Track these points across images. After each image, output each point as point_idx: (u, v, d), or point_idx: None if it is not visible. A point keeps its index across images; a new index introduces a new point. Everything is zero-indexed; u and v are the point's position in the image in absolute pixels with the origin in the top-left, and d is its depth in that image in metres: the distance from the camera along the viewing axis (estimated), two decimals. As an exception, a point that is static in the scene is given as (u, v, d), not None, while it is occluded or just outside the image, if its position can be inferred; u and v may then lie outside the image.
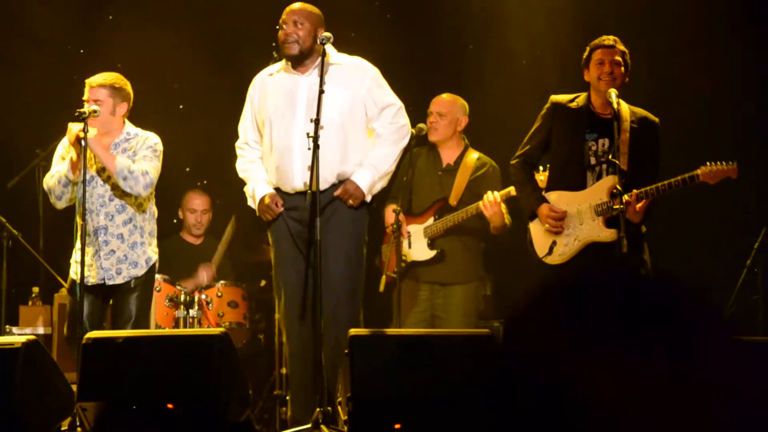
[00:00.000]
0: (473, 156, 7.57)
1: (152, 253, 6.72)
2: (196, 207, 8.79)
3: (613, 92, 6.05)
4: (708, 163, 5.94)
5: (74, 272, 6.55)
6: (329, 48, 6.19)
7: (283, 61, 6.32)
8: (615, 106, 5.99)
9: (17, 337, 5.90)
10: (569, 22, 8.65)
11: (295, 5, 6.27)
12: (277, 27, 6.23)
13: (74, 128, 6.33)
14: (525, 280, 8.03)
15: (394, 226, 7.00)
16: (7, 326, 7.55)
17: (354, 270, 6.17)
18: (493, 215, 7.21)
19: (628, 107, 6.24)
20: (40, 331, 7.45)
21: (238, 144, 6.43)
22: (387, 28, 9.10)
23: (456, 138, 7.60)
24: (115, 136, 6.64)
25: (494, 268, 7.70)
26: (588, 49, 6.28)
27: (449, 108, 7.56)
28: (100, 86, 6.61)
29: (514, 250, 7.42)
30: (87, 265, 6.35)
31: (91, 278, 6.49)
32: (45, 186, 6.60)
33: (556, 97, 6.37)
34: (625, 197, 5.89)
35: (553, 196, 6.35)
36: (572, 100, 6.30)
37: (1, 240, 7.66)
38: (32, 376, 5.37)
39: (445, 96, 7.63)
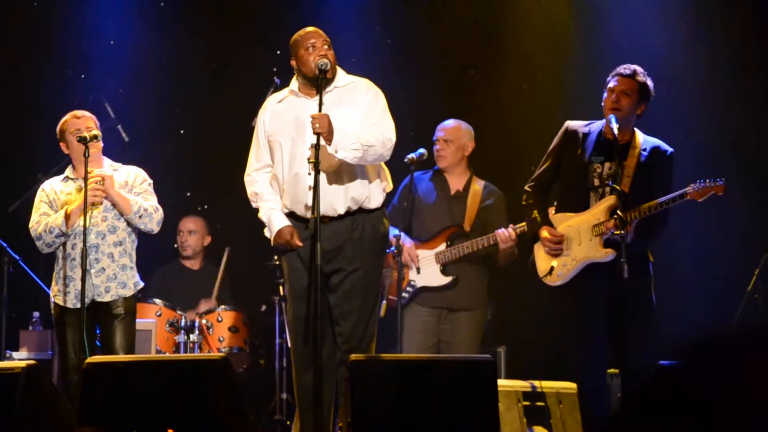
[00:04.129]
0: (480, 183, 7.57)
1: (138, 279, 6.77)
2: (182, 228, 8.86)
3: (612, 117, 6.10)
4: (697, 181, 6.00)
5: (63, 301, 6.57)
6: (339, 71, 6.20)
7: (289, 87, 6.28)
8: (615, 130, 6.04)
9: (18, 362, 5.90)
10: (570, 47, 8.68)
11: (316, 29, 6.15)
12: (309, 47, 6.10)
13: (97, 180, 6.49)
14: (525, 305, 8.05)
15: (396, 251, 6.99)
16: (8, 351, 7.54)
17: (372, 297, 6.17)
18: (506, 248, 7.23)
19: (644, 136, 6.28)
20: (41, 355, 7.44)
21: (246, 175, 6.32)
22: (388, 54, 9.12)
23: (463, 164, 7.59)
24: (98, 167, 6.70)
25: (495, 293, 7.70)
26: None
27: (455, 134, 7.55)
28: (86, 117, 6.69)
29: (515, 276, 7.43)
30: (76, 290, 6.40)
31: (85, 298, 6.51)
32: (32, 232, 6.62)
33: (570, 123, 6.40)
34: (619, 213, 5.93)
35: (556, 218, 6.38)
36: (586, 126, 6.33)
37: (1, 264, 7.66)
38: (33, 400, 5.35)
39: (450, 122, 7.61)
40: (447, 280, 7.41)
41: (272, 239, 6.18)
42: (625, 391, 6.36)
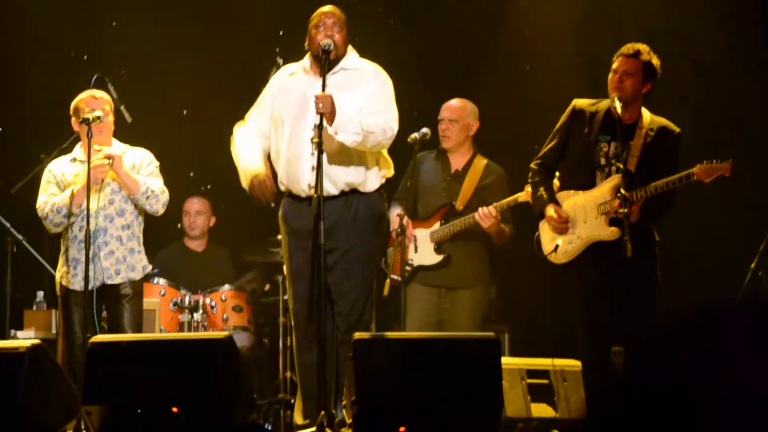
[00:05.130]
0: (482, 162, 7.55)
1: (146, 262, 6.79)
2: (189, 209, 8.86)
3: (615, 97, 6.09)
4: (704, 162, 6.00)
5: (69, 283, 6.58)
6: (351, 52, 6.19)
7: (302, 62, 6.26)
8: (619, 111, 6.04)
9: (22, 341, 5.91)
10: (573, 26, 8.65)
11: (332, 8, 6.14)
12: (318, 25, 6.05)
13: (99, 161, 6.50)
14: (529, 283, 8.05)
15: (399, 230, 6.98)
16: (12, 330, 7.56)
17: (369, 276, 6.18)
18: (489, 227, 7.22)
19: (650, 115, 6.27)
20: (45, 335, 7.45)
21: (238, 124, 6.34)
22: (390, 34, 9.11)
23: (467, 143, 7.57)
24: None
25: (499, 272, 7.70)
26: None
27: (460, 114, 7.52)
28: (104, 100, 6.69)
29: (518, 254, 7.43)
30: (83, 272, 6.39)
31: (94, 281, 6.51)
32: (39, 212, 6.64)
33: (578, 101, 6.39)
34: (623, 192, 5.92)
35: (561, 195, 6.38)
36: (593, 104, 6.32)
37: (5, 245, 7.68)
38: (37, 380, 5.37)
39: (455, 101, 7.58)
40: (439, 258, 7.41)
41: (247, 183, 6.16)
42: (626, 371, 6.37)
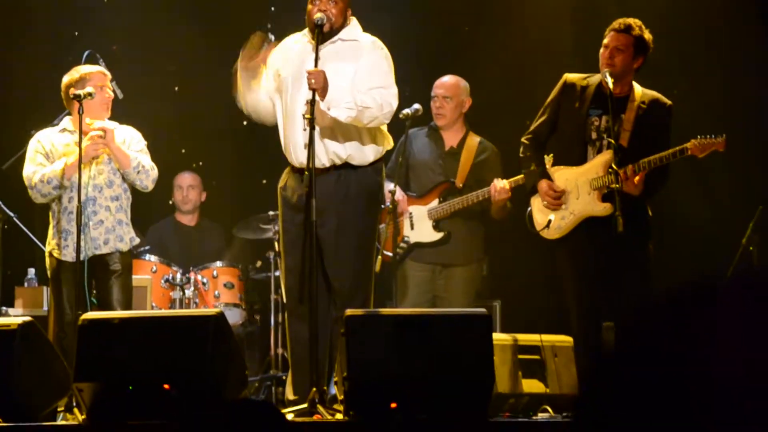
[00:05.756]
0: (475, 140, 7.55)
1: (134, 234, 6.76)
2: (182, 183, 8.87)
3: (607, 72, 6.08)
4: (698, 137, 6.00)
5: (60, 255, 6.55)
6: (354, 24, 6.16)
7: (305, 31, 6.24)
8: (610, 85, 6.02)
9: (13, 318, 5.91)
10: (566, 3, 8.63)
11: None
12: (312, 0, 6.01)
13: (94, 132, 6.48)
14: (521, 259, 8.05)
15: (390, 207, 6.97)
16: (3, 307, 7.55)
17: (364, 254, 6.16)
18: (499, 201, 7.21)
19: (642, 89, 6.26)
20: (36, 312, 7.44)
21: None
22: (381, 10, 9.06)
23: (460, 121, 7.56)
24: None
25: (491, 248, 7.70)
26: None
27: (454, 91, 7.50)
28: (109, 79, 6.68)
29: (510, 231, 7.43)
30: (74, 243, 6.35)
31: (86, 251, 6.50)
32: (27, 182, 6.59)
33: (569, 75, 6.37)
34: (620, 171, 5.92)
35: (553, 170, 6.37)
36: (585, 79, 6.30)
37: (-4, 221, 7.67)
38: (28, 357, 5.38)
39: (448, 78, 7.55)
40: (439, 236, 7.40)
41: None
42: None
